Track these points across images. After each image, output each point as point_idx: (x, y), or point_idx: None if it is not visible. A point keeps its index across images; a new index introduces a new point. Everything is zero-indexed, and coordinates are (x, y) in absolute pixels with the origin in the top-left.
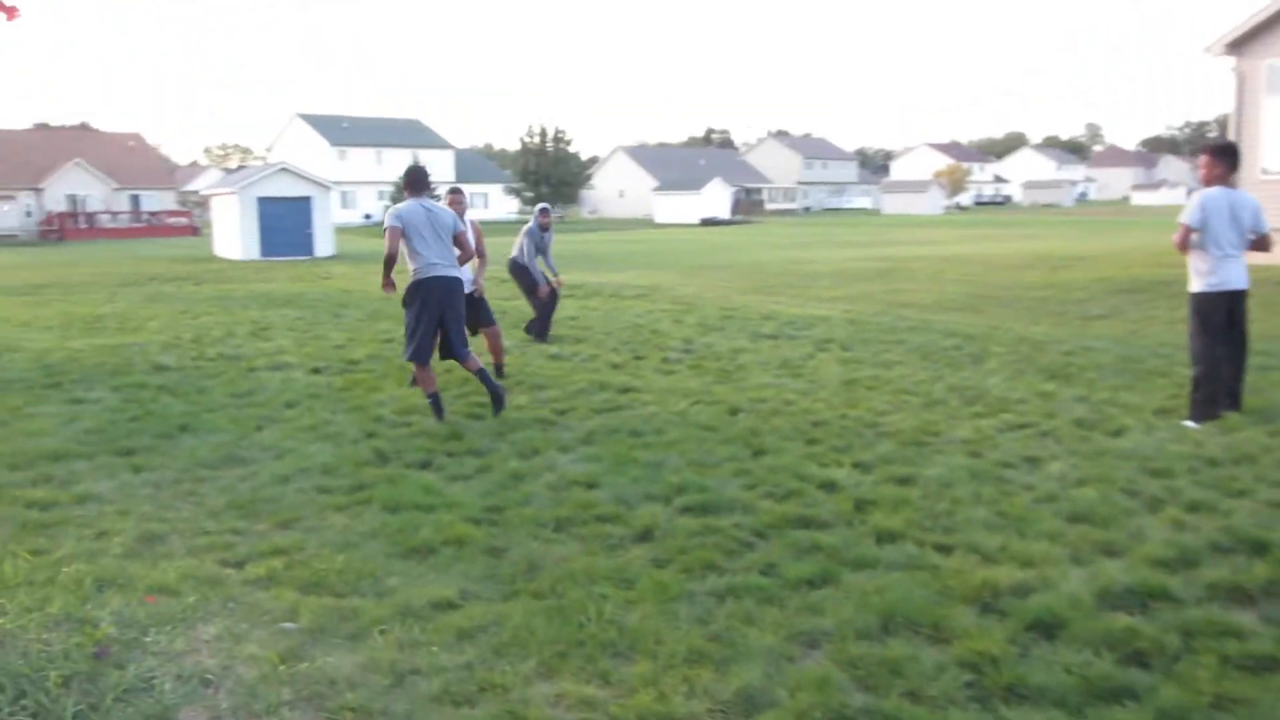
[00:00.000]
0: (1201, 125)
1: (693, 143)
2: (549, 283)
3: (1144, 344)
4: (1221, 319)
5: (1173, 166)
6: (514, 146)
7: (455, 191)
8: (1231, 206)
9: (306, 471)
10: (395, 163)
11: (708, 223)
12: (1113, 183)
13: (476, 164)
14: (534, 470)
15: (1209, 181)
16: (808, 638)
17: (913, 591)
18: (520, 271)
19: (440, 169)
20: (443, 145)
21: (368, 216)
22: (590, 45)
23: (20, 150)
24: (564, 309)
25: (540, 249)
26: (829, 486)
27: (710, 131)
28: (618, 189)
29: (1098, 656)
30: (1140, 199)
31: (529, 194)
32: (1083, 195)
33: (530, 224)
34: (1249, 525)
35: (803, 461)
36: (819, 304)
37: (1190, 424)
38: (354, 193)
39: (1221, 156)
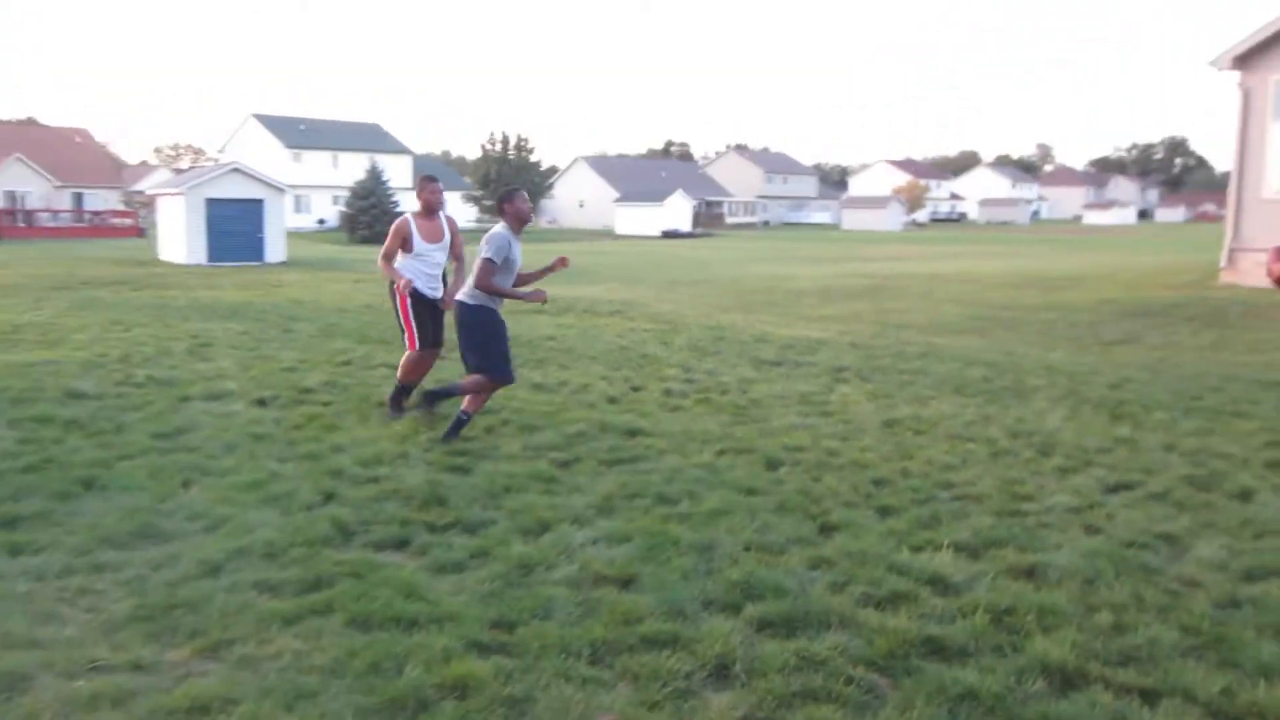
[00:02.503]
0: (1148, 148)
1: (653, 154)
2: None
3: (1184, 374)
4: None
5: (1122, 187)
6: (472, 154)
7: (432, 179)
8: None
9: (244, 555)
10: (352, 167)
11: (669, 235)
12: (1064, 201)
13: (435, 170)
14: (545, 556)
15: None
16: None
17: None
18: None
19: (398, 174)
20: (401, 150)
21: (321, 221)
22: (550, 54)
23: None
24: (539, 328)
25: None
26: (939, 584)
27: (670, 144)
28: (578, 199)
29: None
30: (1092, 218)
31: (489, 201)
32: (1036, 214)
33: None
34: None
35: (887, 542)
36: (809, 324)
37: None
38: (309, 196)
39: None
